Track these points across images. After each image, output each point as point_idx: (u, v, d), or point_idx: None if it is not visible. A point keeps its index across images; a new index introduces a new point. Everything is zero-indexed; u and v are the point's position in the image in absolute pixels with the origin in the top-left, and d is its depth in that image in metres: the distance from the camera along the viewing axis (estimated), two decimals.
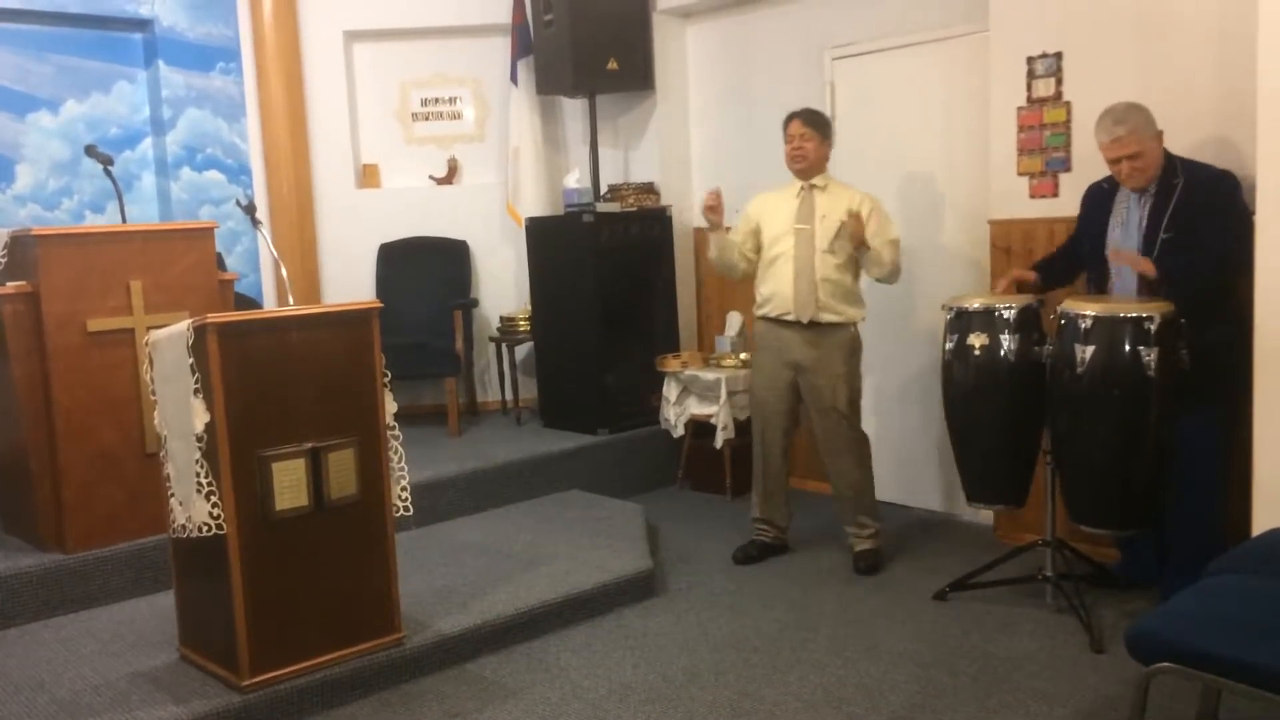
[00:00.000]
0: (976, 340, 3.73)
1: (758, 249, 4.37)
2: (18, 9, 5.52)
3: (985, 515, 4.66)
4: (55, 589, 3.82)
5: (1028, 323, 3.70)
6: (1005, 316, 3.68)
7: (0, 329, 3.90)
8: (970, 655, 3.50)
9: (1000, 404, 3.71)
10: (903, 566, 4.34)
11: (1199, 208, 3.51)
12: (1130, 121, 3.55)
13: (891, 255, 4.14)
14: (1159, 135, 3.59)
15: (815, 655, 3.55)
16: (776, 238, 4.27)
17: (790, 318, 4.24)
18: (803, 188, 4.29)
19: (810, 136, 4.23)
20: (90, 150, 4.60)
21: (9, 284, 3.91)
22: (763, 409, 4.42)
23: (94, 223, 5.80)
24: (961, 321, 3.78)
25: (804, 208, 4.24)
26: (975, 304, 3.78)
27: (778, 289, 4.26)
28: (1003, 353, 3.68)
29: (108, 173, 4.49)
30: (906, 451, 5.09)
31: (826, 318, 4.20)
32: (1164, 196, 3.58)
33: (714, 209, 4.30)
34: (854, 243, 4.09)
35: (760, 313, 4.38)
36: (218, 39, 6.12)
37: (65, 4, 5.67)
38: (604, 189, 5.97)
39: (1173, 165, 3.60)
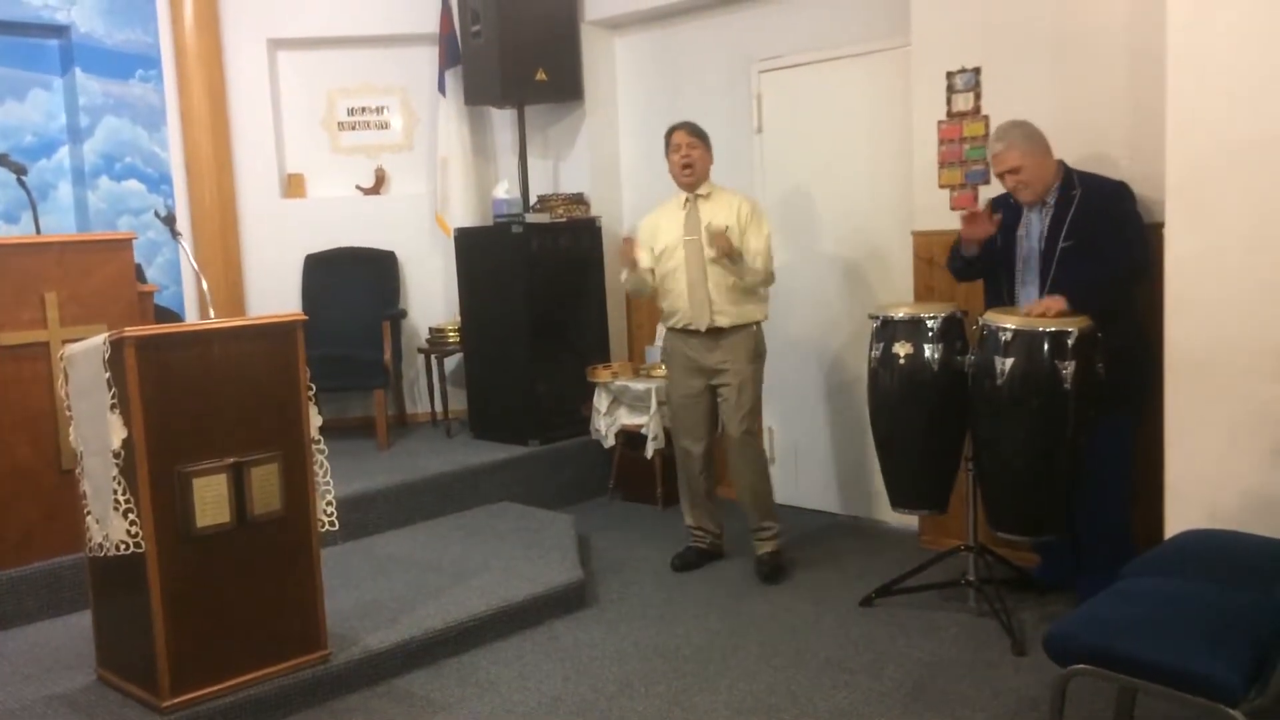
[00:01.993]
0: (902, 349, 3.79)
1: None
2: None
3: (910, 521, 4.74)
4: None
5: (951, 332, 3.77)
6: (930, 326, 3.75)
7: None
8: (896, 660, 3.55)
9: (924, 412, 3.77)
10: (831, 573, 4.39)
11: (1096, 217, 3.65)
12: (1009, 138, 3.70)
13: (764, 262, 4.24)
14: (1046, 151, 3.72)
15: (745, 663, 3.58)
16: (669, 252, 4.34)
17: (693, 326, 4.31)
18: (688, 199, 4.36)
19: (697, 145, 4.34)
20: (3, 159, 4.48)
21: None
22: (678, 418, 4.50)
23: (7, 233, 5.64)
24: (887, 330, 3.84)
25: (691, 218, 4.32)
26: (901, 313, 3.84)
27: (676, 301, 4.34)
28: (926, 360, 3.74)
29: (21, 182, 4.39)
30: (833, 459, 5.15)
31: (723, 321, 4.28)
32: (1063, 207, 3.71)
33: (627, 254, 4.38)
34: (724, 255, 4.16)
35: (667, 325, 4.47)
36: (137, 46, 6.00)
37: None
38: (533, 199, 5.96)
39: (1070, 178, 3.74)
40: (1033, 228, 3.79)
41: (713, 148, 4.41)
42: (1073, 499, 3.57)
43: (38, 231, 4.51)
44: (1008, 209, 3.88)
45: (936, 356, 3.74)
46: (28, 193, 4.42)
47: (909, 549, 4.56)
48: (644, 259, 4.40)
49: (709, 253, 4.21)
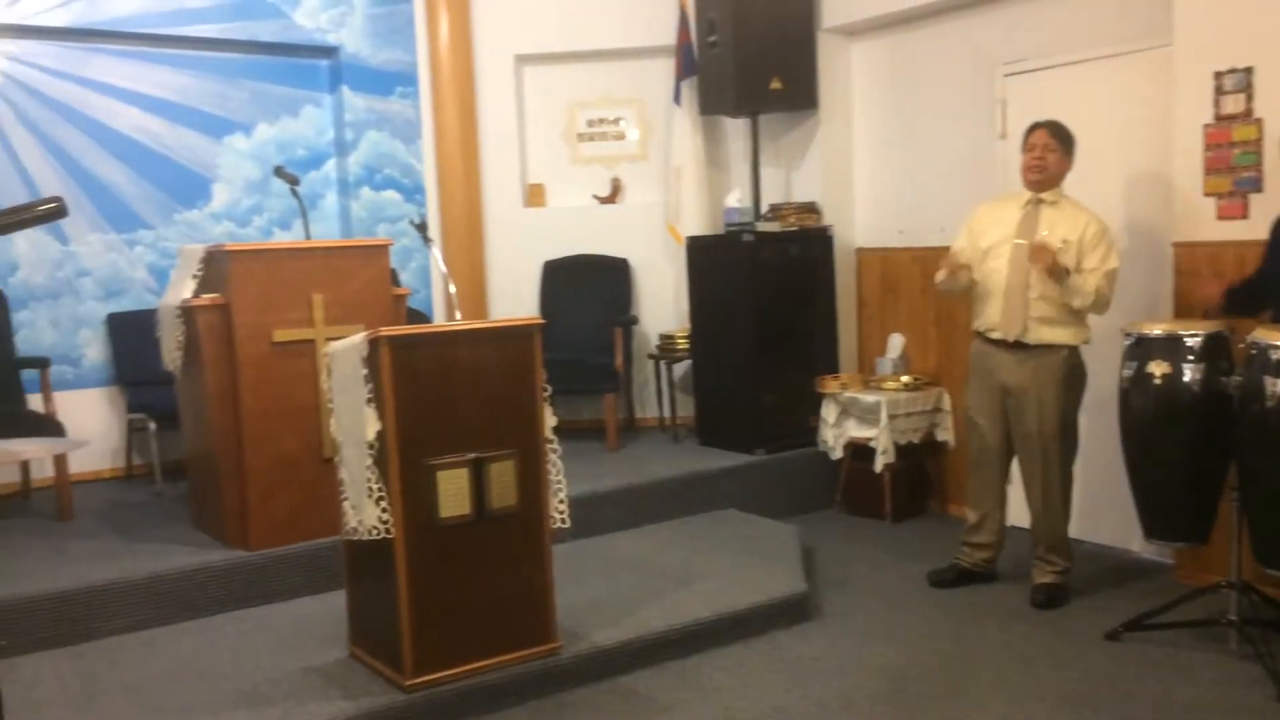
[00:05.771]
0: (1157, 368, 3.57)
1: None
2: (216, 38, 5.91)
3: (1165, 552, 4.42)
4: (238, 584, 4.05)
5: (1215, 351, 3.52)
6: (1190, 344, 3.51)
7: (196, 338, 4.17)
8: (1144, 701, 3.31)
9: (1182, 436, 3.54)
10: (1074, 603, 4.15)
11: None
12: None
13: (1096, 284, 3.92)
14: None
15: (976, 691, 3.44)
16: (992, 250, 4.11)
17: (997, 336, 4.12)
18: (1030, 200, 4.11)
19: (1054, 148, 4.06)
20: (279, 171, 4.87)
21: (204, 296, 4.19)
22: (975, 433, 4.30)
23: (281, 239, 6.13)
24: (1141, 348, 3.62)
25: (1027, 221, 4.07)
26: (1157, 330, 3.62)
27: (989, 306, 4.14)
28: (1186, 382, 3.49)
29: (294, 192, 4.75)
30: (1080, 482, 4.84)
31: (1034, 339, 4.04)
32: None
33: (952, 269, 4.13)
34: (1049, 275, 3.91)
35: (973, 328, 4.28)
36: (397, 64, 6.40)
37: (258, 33, 6.03)
38: (765, 208, 5.95)
39: None
40: None
41: (1073, 154, 4.11)
42: None
43: (307, 238, 4.88)
44: None
45: (1198, 377, 3.50)
46: (300, 202, 4.79)
47: (1162, 582, 4.26)
48: (961, 248, 4.18)
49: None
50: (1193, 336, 3.51)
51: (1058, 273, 3.89)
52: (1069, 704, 3.31)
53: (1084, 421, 4.47)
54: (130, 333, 5.52)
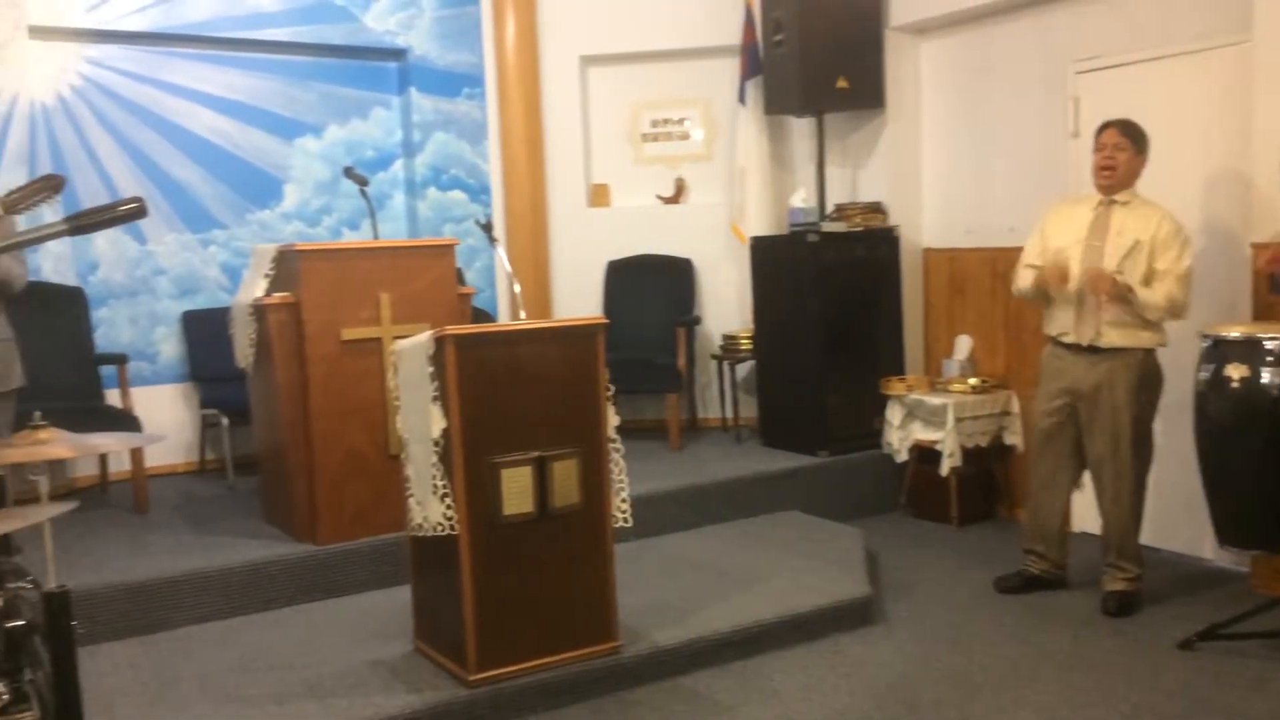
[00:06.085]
0: (1235, 372, 3.48)
1: None
2: (287, 41, 6.02)
3: (1240, 561, 4.30)
4: (306, 577, 4.13)
5: None
6: (1269, 347, 3.42)
7: (267, 336, 4.26)
8: (1218, 712, 3.23)
9: (1260, 441, 3.45)
10: (1145, 611, 4.06)
11: None
12: None
13: (1167, 291, 3.81)
14: None
15: (1043, 698, 3.38)
16: (1062, 252, 4.03)
17: (1069, 340, 4.05)
18: (1101, 202, 4.04)
19: (1124, 147, 3.97)
20: (348, 172, 4.96)
21: (275, 295, 4.27)
22: (1039, 435, 4.24)
23: (350, 239, 6.22)
24: (1218, 351, 3.54)
25: (1099, 223, 4.00)
26: (1235, 333, 3.53)
27: (1061, 309, 4.07)
28: (1264, 385, 3.40)
29: (363, 193, 4.82)
30: (1153, 487, 4.75)
31: (1107, 342, 3.96)
32: None
33: (1055, 277, 3.99)
34: (1113, 302, 3.86)
35: (1045, 331, 4.21)
36: (464, 66, 6.46)
37: (328, 36, 6.13)
38: (830, 208, 5.91)
39: None
40: None
41: (1146, 152, 4.01)
42: None
43: (376, 237, 4.95)
44: None
45: (1277, 381, 3.40)
46: (368, 202, 4.86)
47: (1237, 591, 4.15)
48: (1030, 254, 4.14)
49: (1110, 262, 3.88)
50: (1272, 339, 3.42)
51: (1120, 296, 3.84)
52: (1141, 714, 3.24)
53: (1159, 426, 4.37)
54: (204, 330, 5.66)
